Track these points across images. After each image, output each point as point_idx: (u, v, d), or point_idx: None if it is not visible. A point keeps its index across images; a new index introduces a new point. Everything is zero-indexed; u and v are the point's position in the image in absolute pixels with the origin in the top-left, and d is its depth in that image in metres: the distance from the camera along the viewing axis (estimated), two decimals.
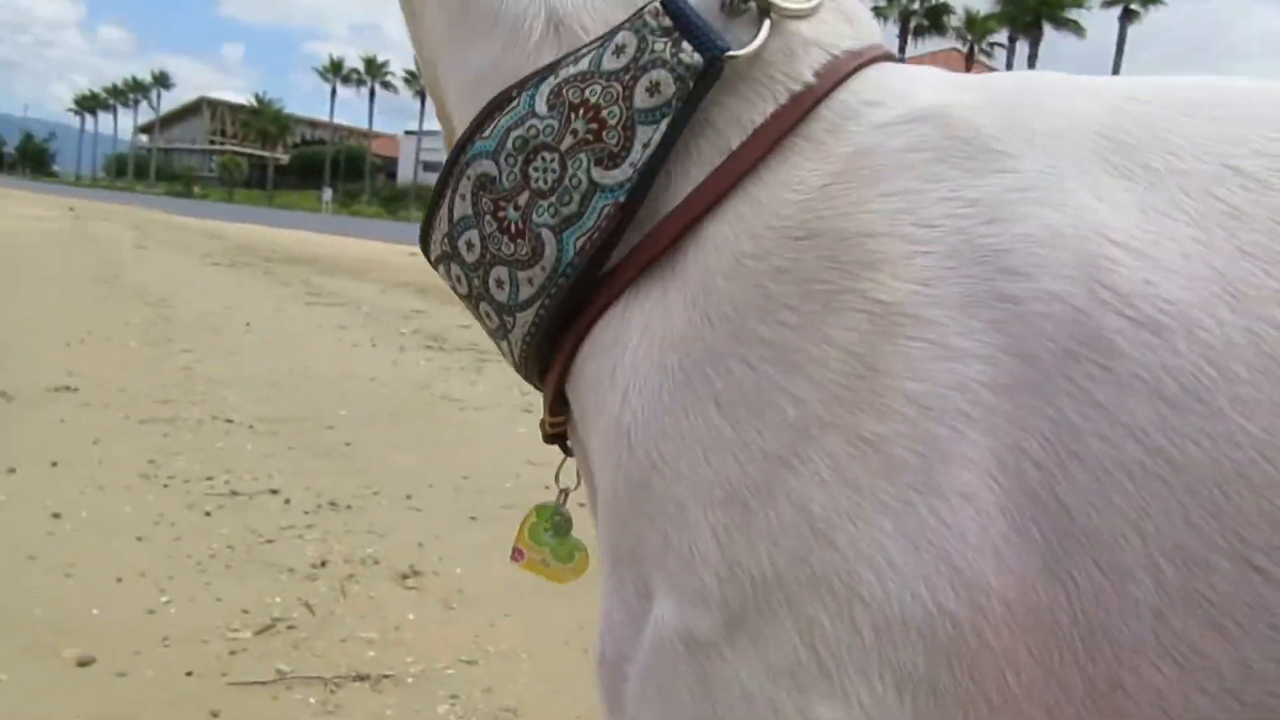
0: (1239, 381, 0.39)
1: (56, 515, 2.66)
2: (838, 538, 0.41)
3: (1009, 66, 32.55)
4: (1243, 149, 0.44)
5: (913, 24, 43.37)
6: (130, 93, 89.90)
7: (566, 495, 0.67)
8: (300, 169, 79.09)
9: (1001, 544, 0.40)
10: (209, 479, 3.09)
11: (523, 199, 0.52)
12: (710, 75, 0.49)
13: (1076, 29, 40.17)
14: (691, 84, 0.49)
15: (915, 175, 0.45)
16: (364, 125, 75.58)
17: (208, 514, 2.79)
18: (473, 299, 0.58)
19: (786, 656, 0.42)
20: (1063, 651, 0.40)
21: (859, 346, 0.42)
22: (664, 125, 0.49)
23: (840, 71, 0.51)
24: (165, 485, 2.99)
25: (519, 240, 0.53)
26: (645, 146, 0.49)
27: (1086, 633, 0.40)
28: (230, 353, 5.30)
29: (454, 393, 4.70)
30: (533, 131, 0.52)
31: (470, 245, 0.55)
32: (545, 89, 0.52)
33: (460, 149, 0.55)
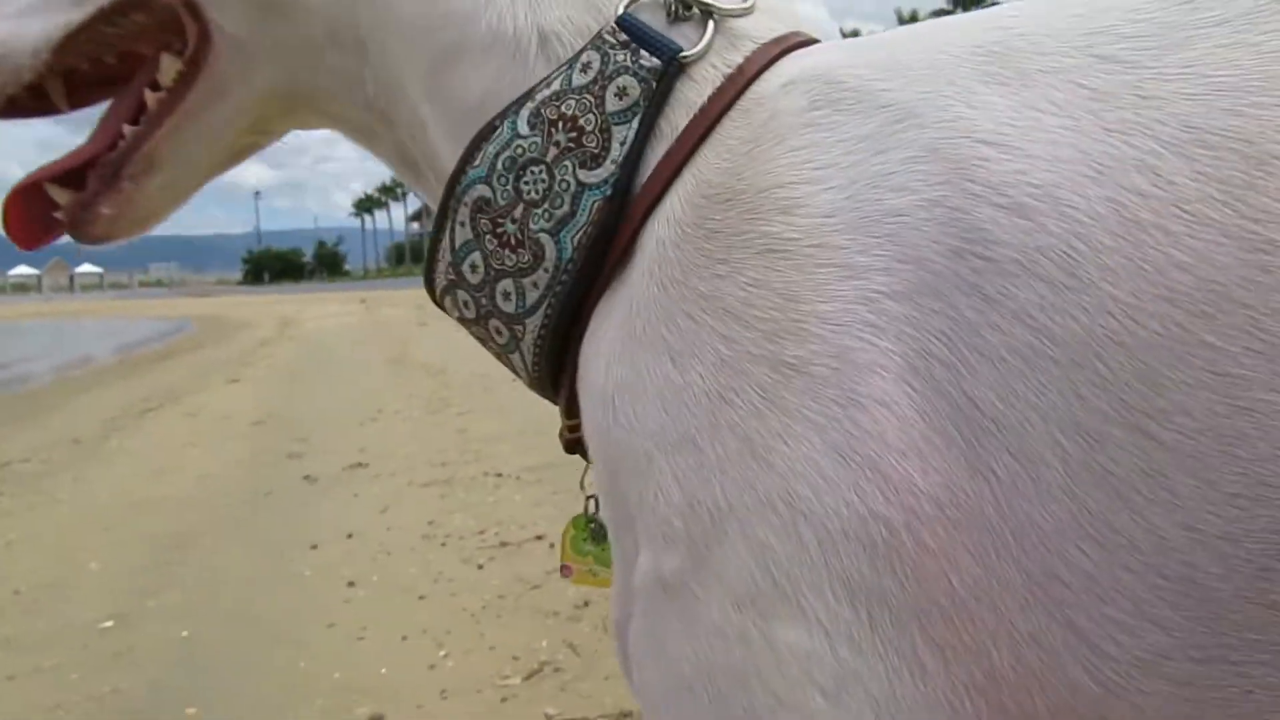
0: (1105, 251, 0.41)
1: (351, 584, 2.89)
2: (775, 459, 0.44)
3: None
4: (1108, 37, 0.46)
5: None
6: (398, 187, 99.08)
7: (597, 501, 0.68)
8: None
9: (923, 445, 0.43)
10: (481, 533, 3.26)
11: (518, 212, 0.57)
12: (669, 74, 0.55)
13: None
14: (654, 84, 0.55)
15: (816, 128, 0.50)
16: None
17: (480, 567, 2.93)
18: (481, 320, 0.61)
19: (746, 583, 0.45)
20: (998, 547, 0.42)
21: (777, 282, 0.47)
22: (635, 122, 0.55)
23: (766, 55, 0.56)
24: (443, 544, 3.19)
25: (519, 250, 0.57)
26: (622, 144, 0.54)
27: (1015, 525, 0.42)
28: (500, 409, 5.61)
29: None
30: (519, 150, 0.57)
31: (474, 267, 0.59)
32: (525, 113, 0.57)
33: (454, 181, 0.59)
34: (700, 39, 0.56)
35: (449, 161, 0.61)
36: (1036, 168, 0.43)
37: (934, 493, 0.42)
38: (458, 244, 0.60)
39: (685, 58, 0.55)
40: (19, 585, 3.08)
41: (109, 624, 2.70)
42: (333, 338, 13.01)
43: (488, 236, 0.58)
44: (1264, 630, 0.40)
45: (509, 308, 0.58)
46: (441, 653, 2.33)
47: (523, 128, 0.57)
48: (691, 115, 0.54)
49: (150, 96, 0.68)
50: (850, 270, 0.45)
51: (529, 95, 0.58)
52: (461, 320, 0.63)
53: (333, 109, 0.70)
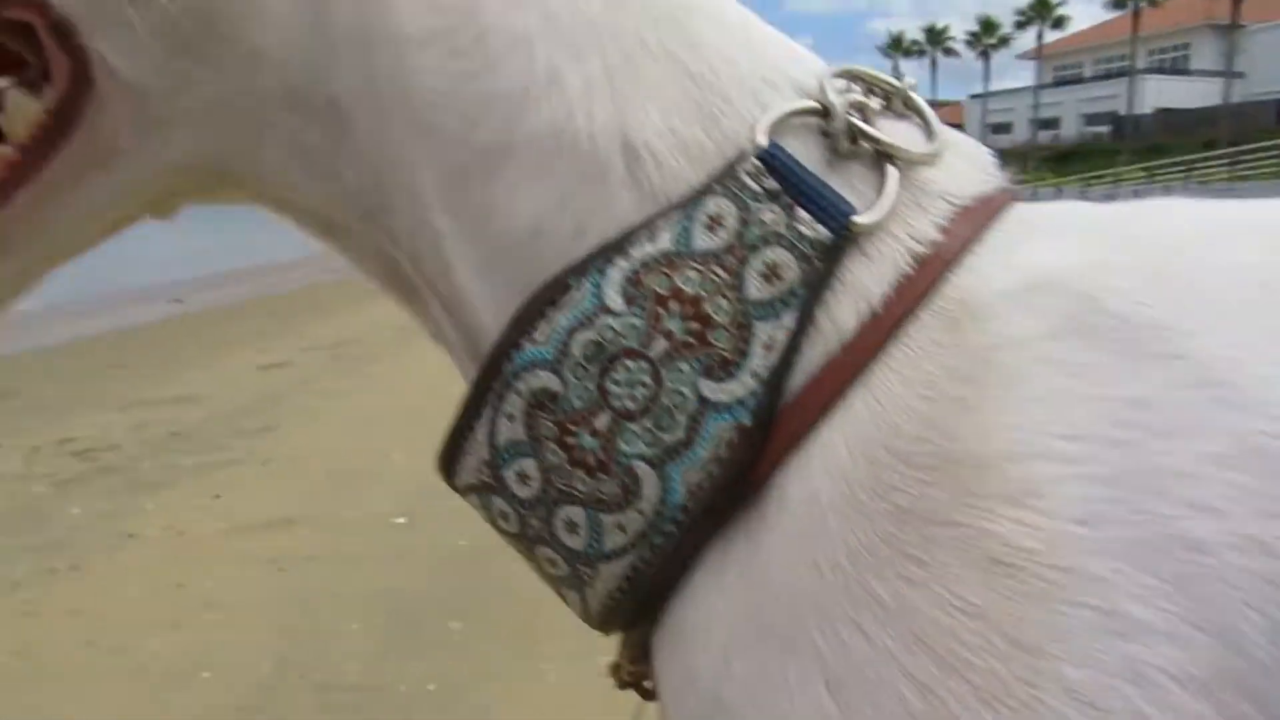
0: None
1: None
2: None
3: None
4: None
5: None
6: None
7: None
8: None
9: None
10: None
11: (601, 422, 0.41)
12: (839, 250, 0.39)
13: None
14: (820, 264, 0.39)
15: (1063, 370, 0.36)
16: (927, 95, 75.98)
17: None
18: (526, 540, 0.45)
19: None
20: None
21: (1000, 614, 0.33)
22: (789, 320, 0.39)
23: (973, 226, 0.41)
24: None
25: (600, 476, 0.41)
26: (768, 349, 0.39)
27: None
28: None
29: None
30: (608, 333, 0.41)
31: (524, 477, 0.43)
32: (615, 275, 0.41)
33: (501, 356, 0.42)
34: (875, 192, 0.40)
35: (480, 307, 0.45)
36: None
37: None
38: (501, 441, 0.43)
39: (859, 227, 0.40)
40: (333, 466, 3.45)
41: (401, 520, 2.96)
42: None
43: (551, 444, 0.42)
44: None
45: (574, 543, 0.43)
46: None
47: (613, 298, 0.41)
48: (866, 314, 0.39)
49: None
50: (1118, 624, 0.32)
51: (620, 247, 0.41)
52: (494, 526, 0.47)
53: (282, 195, 0.49)
